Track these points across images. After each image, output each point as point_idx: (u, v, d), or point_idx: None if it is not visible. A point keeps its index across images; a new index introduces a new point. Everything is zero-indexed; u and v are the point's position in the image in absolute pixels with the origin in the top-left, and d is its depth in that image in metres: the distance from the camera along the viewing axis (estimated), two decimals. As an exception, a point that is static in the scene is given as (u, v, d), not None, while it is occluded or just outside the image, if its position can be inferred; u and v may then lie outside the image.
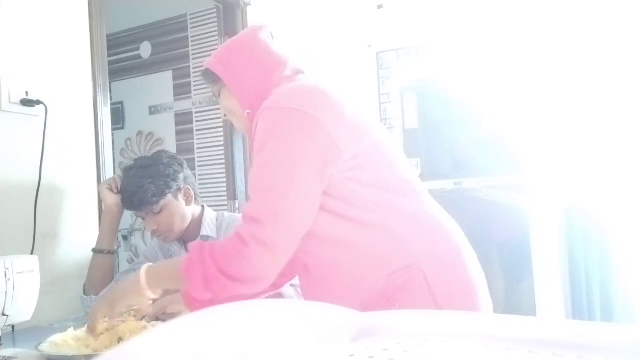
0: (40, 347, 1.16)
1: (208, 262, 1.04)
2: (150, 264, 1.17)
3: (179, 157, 1.72)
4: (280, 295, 1.44)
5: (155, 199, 1.58)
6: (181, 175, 1.66)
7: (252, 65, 1.21)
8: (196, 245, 1.09)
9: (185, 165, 1.71)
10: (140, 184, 1.58)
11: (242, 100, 1.21)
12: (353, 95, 1.18)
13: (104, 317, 1.15)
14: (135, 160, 1.71)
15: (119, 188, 1.64)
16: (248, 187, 1.16)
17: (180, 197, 1.65)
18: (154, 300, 1.18)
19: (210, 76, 1.26)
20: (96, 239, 1.73)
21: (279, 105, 1.09)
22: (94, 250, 1.65)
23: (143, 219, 1.66)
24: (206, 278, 1.04)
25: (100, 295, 1.60)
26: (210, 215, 1.73)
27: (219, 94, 1.27)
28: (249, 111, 1.20)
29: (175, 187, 1.63)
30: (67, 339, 1.20)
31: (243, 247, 1.04)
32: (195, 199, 1.72)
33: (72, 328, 1.26)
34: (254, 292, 1.10)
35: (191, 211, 1.69)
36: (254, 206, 1.07)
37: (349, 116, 1.11)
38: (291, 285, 1.49)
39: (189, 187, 1.68)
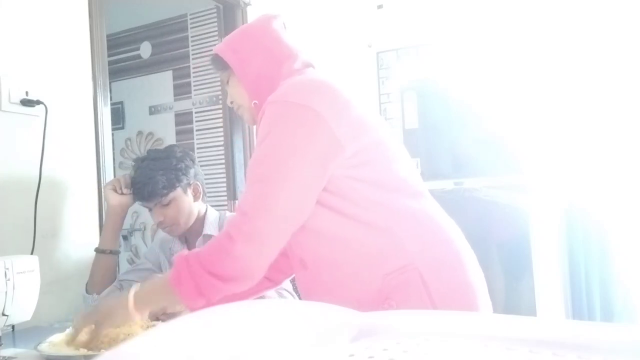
0: (39, 347, 1.15)
1: (195, 267, 1.02)
2: (138, 285, 1.13)
3: (191, 153, 1.74)
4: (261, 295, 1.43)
5: (165, 191, 1.60)
6: (192, 171, 1.68)
7: (261, 55, 1.20)
8: (180, 255, 1.07)
9: (197, 162, 1.73)
10: (151, 176, 1.59)
11: (250, 90, 1.20)
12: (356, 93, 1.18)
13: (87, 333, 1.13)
14: (147, 151, 1.73)
15: (124, 190, 1.64)
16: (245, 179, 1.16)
17: (189, 192, 1.67)
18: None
19: (219, 63, 1.24)
20: (97, 238, 1.73)
21: (284, 99, 1.09)
22: (97, 250, 1.65)
23: (150, 209, 1.67)
24: (196, 283, 1.02)
25: (100, 297, 1.61)
26: (212, 214, 1.74)
27: (227, 82, 1.26)
28: (256, 101, 1.19)
29: (185, 181, 1.65)
30: (68, 339, 1.20)
31: (229, 244, 1.02)
32: (203, 196, 1.73)
33: (70, 328, 1.26)
34: (245, 289, 1.08)
35: (197, 208, 1.70)
36: (245, 199, 1.07)
37: (353, 113, 1.10)
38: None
39: (198, 183, 1.70)
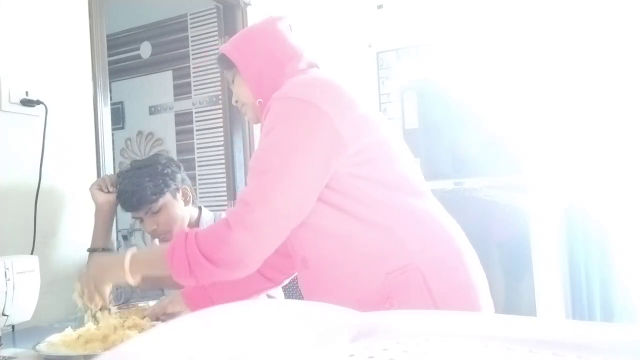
0: (37, 347, 1.15)
1: (191, 246, 1.05)
2: (135, 249, 1.18)
3: (176, 160, 1.74)
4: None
5: (154, 197, 1.59)
6: (179, 176, 1.67)
7: (266, 55, 1.21)
8: (181, 232, 1.10)
9: (183, 168, 1.72)
10: (139, 183, 1.58)
11: (254, 89, 1.22)
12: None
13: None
14: (130, 163, 1.72)
15: (110, 188, 1.64)
16: (247, 172, 1.17)
17: (179, 196, 1.66)
18: (133, 287, 1.21)
19: (225, 62, 1.26)
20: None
21: (288, 96, 1.10)
22: (89, 250, 1.66)
23: (141, 220, 1.65)
24: (189, 262, 1.04)
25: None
26: (207, 216, 1.73)
27: (233, 81, 1.28)
28: (260, 100, 1.21)
29: (173, 186, 1.64)
30: (66, 339, 1.19)
31: (227, 231, 1.04)
32: (193, 201, 1.72)
33: (69, 328, 1.26)
34: (237, 278, 1.10)
35: (189, 213, 1.69)
36: (246, 190, 1.09)
37: (357, 111, 1.11)
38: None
39: (186, 187, 1.69)
